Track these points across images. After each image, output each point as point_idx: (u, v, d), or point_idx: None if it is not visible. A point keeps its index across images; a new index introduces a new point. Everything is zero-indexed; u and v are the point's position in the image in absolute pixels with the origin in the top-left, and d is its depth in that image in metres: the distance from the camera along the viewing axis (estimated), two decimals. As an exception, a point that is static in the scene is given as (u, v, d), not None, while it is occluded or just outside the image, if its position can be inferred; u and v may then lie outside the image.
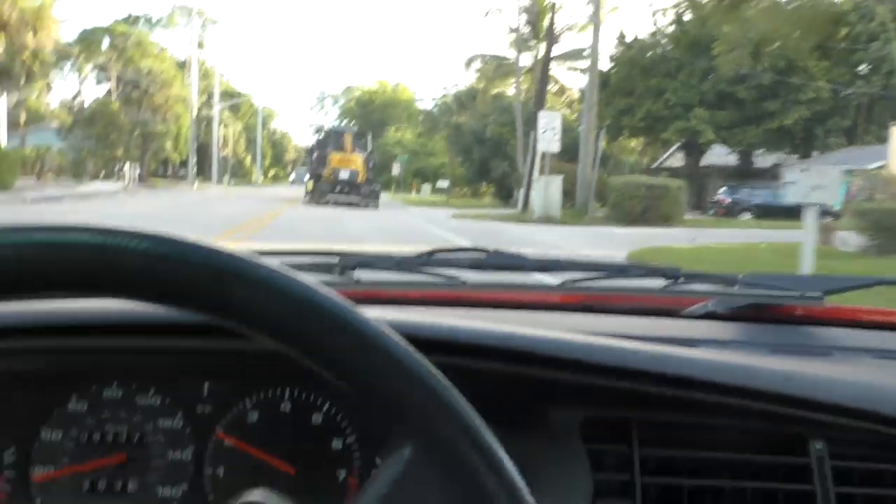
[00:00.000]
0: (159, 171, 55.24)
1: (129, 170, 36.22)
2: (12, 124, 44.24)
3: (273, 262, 0.43)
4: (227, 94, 70.70)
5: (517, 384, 0.79)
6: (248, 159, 74.00)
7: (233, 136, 65.23)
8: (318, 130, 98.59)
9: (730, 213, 27.61)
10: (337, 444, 0.83)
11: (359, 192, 25.60)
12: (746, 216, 26.99)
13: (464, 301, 1.15)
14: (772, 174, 33.19)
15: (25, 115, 48.01)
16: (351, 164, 25.95)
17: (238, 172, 70.43)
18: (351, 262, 1.14)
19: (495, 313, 1.11)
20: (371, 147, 30.14)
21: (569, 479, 0.77)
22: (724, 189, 29.71)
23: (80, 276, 0.41)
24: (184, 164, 60.53)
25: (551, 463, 0.77)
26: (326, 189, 25.68)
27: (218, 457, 0.83)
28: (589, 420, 0.81)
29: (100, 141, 39.52)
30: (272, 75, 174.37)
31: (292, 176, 49.31)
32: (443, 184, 44.26)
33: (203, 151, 56.68)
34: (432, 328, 0.75)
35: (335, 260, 1.14)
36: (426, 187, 44.95)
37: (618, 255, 10.34)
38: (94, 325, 0.76)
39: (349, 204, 25.04)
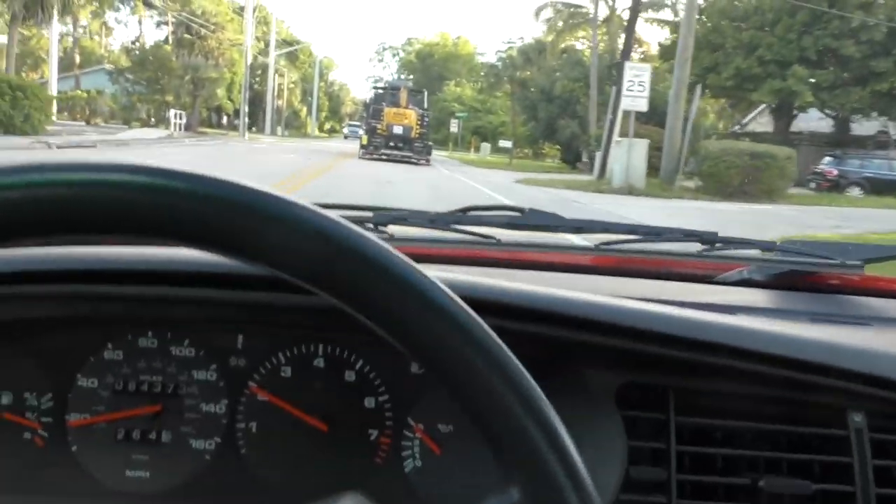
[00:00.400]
0: (212, 119, 53.90)
1: (176, 117, 34.41)
2: (66, 66, 43.35)
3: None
4: (285, 42, 68.93)
5: (554, 346, 0.78)
6: (304, 111, 72.14)
7: (288, 85, 63.34)
8: (377, 83, 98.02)
9: (836, 187, 23.77)
10: (369, 402, 0.83)
11: (412, 148, 25.82)
12: (855, 191, 23.37)
13: (498, 260, 1.16)
14: (875, 142, 29.66)
15: (80, 56, 47.08)
16: (405, 119, 26.09)
17: (293, 124, 68.81)
18: (384, 217, 1.13)
19: (529, 274, 1.10)
20: (427, 104, 30.13)
21: (604, 444, 0.77)
22: (828, 159, 25.77)
23: (141, 218, 0.38)
24: (237, 113, 59.33)
25: (587, 427, 0.76)
26: (380, 143, 25.82)
27: (251, 411, 0.82)
28: (625, 385, 0.80)
29: (150, 85, 38.05)
30: (332, 24, 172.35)
31: (346, 130, 46.51)
32: (505, 143, 41.58)
33: (257, 101, 55.10)
34: (480, 289, 0.74)
35: (369, 214, 1.13)
36: (485, 146, 42.21)
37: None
38: (132, 272, 0.75)
39: (403, 159, 25.13)
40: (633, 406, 0.80)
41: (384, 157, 25.15)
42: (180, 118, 35.37)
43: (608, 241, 1.18)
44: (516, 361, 0.43)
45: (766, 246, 1.22)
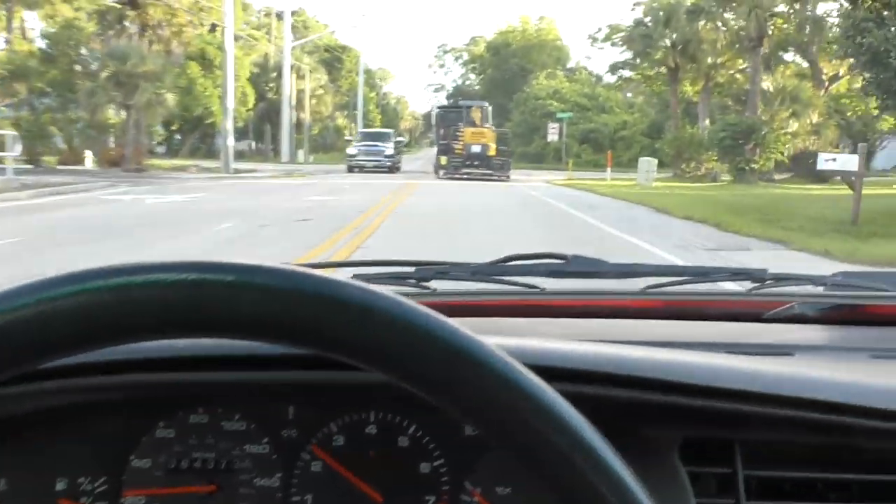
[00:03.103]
0: (207, 143, 38.17)
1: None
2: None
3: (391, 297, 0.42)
4: (328, 51, 53.70)
5: (614, 405, 0.75)
6: (353, 128, 56.34)
7: (315, 91, 46.90)
8: (438, 90, 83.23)
9: None
10: (425, 467, 0.82)
11: (489, 166, 26.61)
12: None
13: (543, 309, 1.13)
14: None
15: None
16: (482, 138, 26.80)
17: (334, 144, 53.10)
18: (427, 273, 1.13)
19: (576, 322, 1.10)
20: (492, 120, 30.79)
21: (671, 503, 0.75)
22: None
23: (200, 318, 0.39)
24: (249, 132, 43.53)
25: (653, 486, 0.70)
26: (459, 163, 26.60)
27: (306, 483, 0.82)
28: (689, 441, 0.78)
29: (60, 93, 22.13)
30: (386, 33, 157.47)
31: (353, 150, 30.84)
32: (647, 161, 24.30)
33: (273, 115, 39.12)
34: (545, 354, 0.74)
35: (410, 270, 1.14)
36: (646, 163, 23.59)
37: None
38: (179, 360, 0.76)
39: (483, 177, 25.82)
40: (699, 461, 0.77)
41: (465, 175, 26.06)
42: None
43: (655, 284, 1.17)
44: (600, 440, 0.43)
45: (818, 280, 1.21)
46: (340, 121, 55.61)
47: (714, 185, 23.31)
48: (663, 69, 31.59)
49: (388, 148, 30.94)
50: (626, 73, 36.75)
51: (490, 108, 31.13)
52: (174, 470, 0.81)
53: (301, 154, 36.14)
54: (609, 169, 26.34)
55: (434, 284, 1.12)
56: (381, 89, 77.88)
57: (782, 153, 23.86)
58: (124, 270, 0.40)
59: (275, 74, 39.57)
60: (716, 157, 25.77)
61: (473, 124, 27.50)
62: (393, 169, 30.46)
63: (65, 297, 0.40)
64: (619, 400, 0.73)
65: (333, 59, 56.23)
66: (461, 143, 26.66)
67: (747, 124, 23.83)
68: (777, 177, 24.94)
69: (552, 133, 39.18)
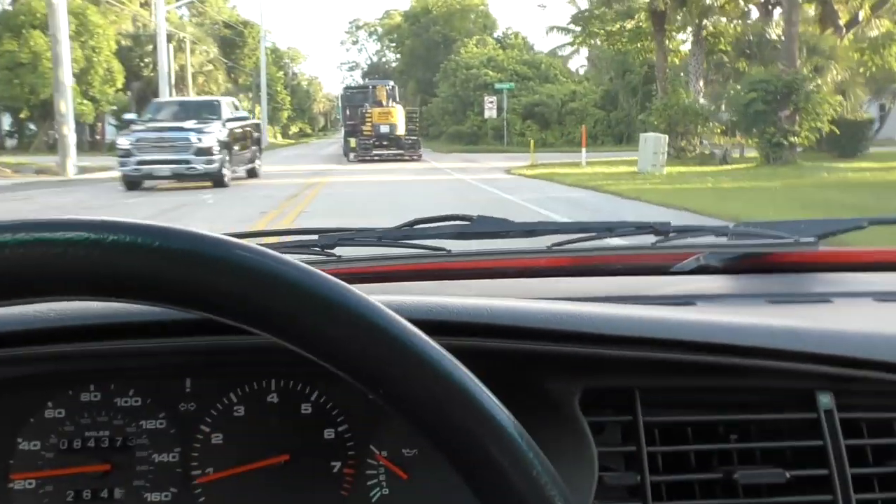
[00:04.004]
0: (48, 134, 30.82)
1: None
2: None
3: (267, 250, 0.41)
4: (227, 26, 46.75)
5: (510, 358, 0.77)
6: (257, 111, 49.17)
7: (203, 66, 39.42)
8: (352, 69, 77.05)
9: None
10: (329, 433, 0.82)
11: (399, 146, 25.86)
12: None
13: (450, 272, 1.14)
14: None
15: None
16: (390, 117, 26.10)
17: None
18: (331, 239, 1.12)
19: (483, 283, 1.10)
20: (400, 98, 30.25)
21: (573, 453, 0.76)
22: None
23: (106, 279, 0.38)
24: (122, 117, 36.12)
25: (553, 437, 0.75)
26: (370, 145, 25.74)
27: (206, 456, 0.80)
28: (588, 391, 0.78)
29: None
30: (293, 9, 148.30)
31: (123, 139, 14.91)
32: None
33: (152, 97, 31.84)
34: (428, 308, 0.73)
35: (314, 238, 1.13)
36: (652, 142, 16.52)
37: None
38: (69, 328, 0.73)
39: (395, 158, 24.93)
40: (599, 410, 0.79)
41: (376, 157, 25.18)
42: None
43: (560, 242, 1.17)
44: (481, 387, 0.42)
45: (720, 230, 1.24)
46: (245, 104, 48.69)
47: (748, 170, 16.73)
48: (629, 23, 25.66)
49: (208, 134, 15.01)
50: (576, 30, 30.72)
51: (396, 88, 30.33)
52: (65, 451, 0.78)
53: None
54: (584, 150, 19.70)
55: (339, 251, 1.11)
56: (290, 69, 70.79)
57: (832, 119, 17.31)
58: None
59: (151, 48, 32.28)
60: (720, 130, 19.90)
61: (380, 104, 26.80)
62: (218, 178, 15.02)
63: None
64: (517, 353, 0.73)
65: (235, 36, 49.15)
66: (369, 123, 25.92)
67: (784, 82, 16.98)
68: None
69: (489, 108, 33.33)
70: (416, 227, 1.18)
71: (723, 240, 1.21)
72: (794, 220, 1.24)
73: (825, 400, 0.78)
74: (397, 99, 28.82)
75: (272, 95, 54.55)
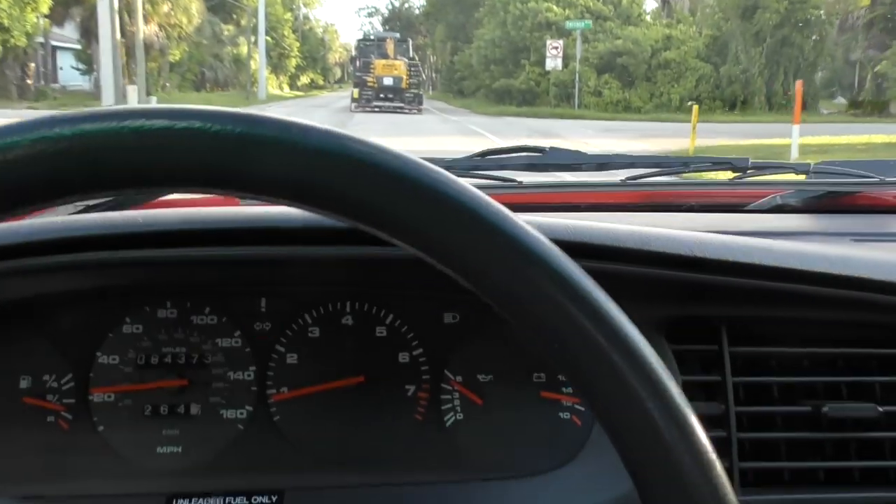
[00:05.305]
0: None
1: None
2: None
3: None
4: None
5: (598, 280, 0.79)
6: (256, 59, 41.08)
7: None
8: (372, 14, 69.71)
9: None
10: (403, 357, 0.82)
11: (402, 99, 25.93)
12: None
13: (521, 204, 1.10)
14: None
15: None
16: (394, 70, 26.26)
17: (230, 79, 39.63)
18: None
19: (555, 216, 1.08)
20: (413, 54, 29.95)
21: None
22: None
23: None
24: (84, 58, 27.96)
25: None
26: (371, 96, 25.89)
27: (281, 375, 0.81)
28: (674, 319, 0.78)
29: None
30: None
31: None
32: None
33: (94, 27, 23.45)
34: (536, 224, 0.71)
35: None
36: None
37: None
38: (146, 234, 0.72)
39: (395, 110, 25.02)
40: (684, 340, 0.78)
41: (376, 108, 25.26)
42: None
43: (634, 176, 1.15)
44: (611, 303, 0.42)
45: (801, 168, 1.20)
46: (243, 48, 40.62)
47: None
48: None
49: None
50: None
51: (410, 42, 30.76)
52: (143, 366, 0.80)
53: (133, 92, 20.03)
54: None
55: None
56: (299, 11, 62.19)
57: None
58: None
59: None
60: None
61: (386, 56, 27.11)
62: None
63: (70, 137, 0.33)
64: (604, 274, 0.73)
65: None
66: (373, 75, 26.21)
67: None
68: None
69: (553, 56, 24.90)
70: (486, 157, 1.16)
71: (802, 178, 1.18)
72: (879, 161, 1.19)
73: None
74: (410, 53, 28.91)
75: (277, 41, 46.31)
